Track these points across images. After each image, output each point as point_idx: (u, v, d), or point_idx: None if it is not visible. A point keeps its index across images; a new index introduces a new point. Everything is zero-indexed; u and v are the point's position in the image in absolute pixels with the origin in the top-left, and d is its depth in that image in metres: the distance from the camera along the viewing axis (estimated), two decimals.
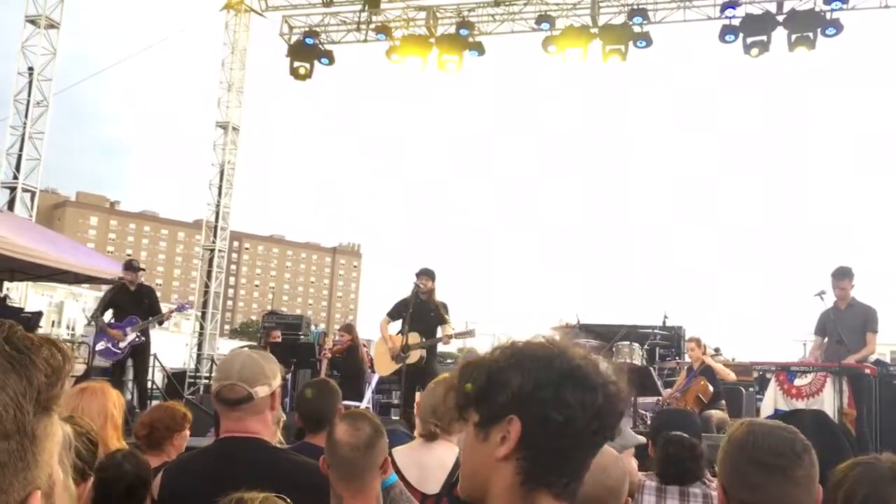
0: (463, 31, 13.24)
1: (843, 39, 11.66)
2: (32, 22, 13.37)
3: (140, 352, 9.56)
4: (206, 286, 15.68)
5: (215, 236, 15.70)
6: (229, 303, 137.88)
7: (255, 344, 15.52)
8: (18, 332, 0.83)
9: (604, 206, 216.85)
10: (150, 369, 10.30)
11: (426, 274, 8.53)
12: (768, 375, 8.07)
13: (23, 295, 15.74)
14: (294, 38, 14.36)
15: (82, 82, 15.77)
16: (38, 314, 11.86)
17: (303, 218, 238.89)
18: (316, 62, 14.05)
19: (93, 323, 10.18)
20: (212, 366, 14.73)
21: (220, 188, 15.62)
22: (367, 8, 13.67)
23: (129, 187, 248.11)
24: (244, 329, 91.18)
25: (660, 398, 8.98)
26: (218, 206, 15.62)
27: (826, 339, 7.83)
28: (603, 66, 12.64)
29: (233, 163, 15.80)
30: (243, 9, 15.49)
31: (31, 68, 13.23)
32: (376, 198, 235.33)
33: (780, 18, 11.83)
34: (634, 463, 3.36)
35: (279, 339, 12.52)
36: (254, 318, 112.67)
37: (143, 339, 9.48)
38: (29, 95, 13.20)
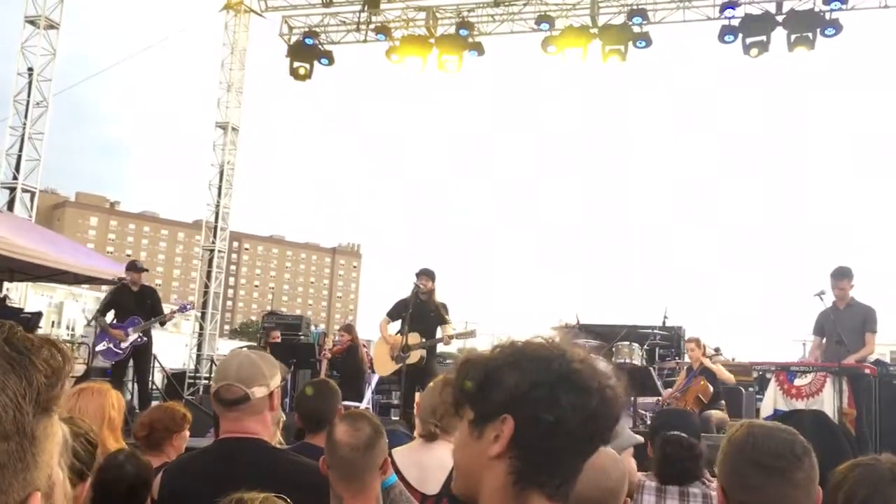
0: (462, 32, 13.24)
1: (842, 40, 11.68)
2: (32, 22, 13.37)
3: (142, 352, 9.54)
4: (206, 286, 15.68)
5: (215, 237, 15.69)
6: (229, 303, 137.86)
7: (254, 344, 15.53)
8: (18, 332, 0.83)
9: (604, 206, 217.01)
10: (151, 370, 10.29)
11: (426, 274, 8.53)
12: (768, 375, 8.07)
13: (22, 295, 15.75)
14: (294, 39, 14.36)
15: (82, 83, 15.78)
16: (38, 315, 11.86)
17: (302, 218, 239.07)
18: (315, 62, 14.05)
19: (93, 323, 10.17)
20: (211, 366, 14.72)
21: (219, 188, 15.61)
22: (366, 8, 13.68)
23: (129, 188, 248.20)
24: (244, 329, 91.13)
25: (660, 398, 8.98)
26: (218, 206, 15.62)
27: (825, 339, 7.84)
28: (602, 66, 12.65)
29: (232, 163, 15.79)
30: (243, 9, 15.49)
31: (30, 69, 13.23)
32: (376, 198, 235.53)
33: (780, 19, 11.83)
34: (633, 463, 3.36)
35: (279, 340, 12.52)
36: (253, 318, 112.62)
37: (144, 339, 9.47)
38: (28, 96, 13.20)
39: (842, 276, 7.68)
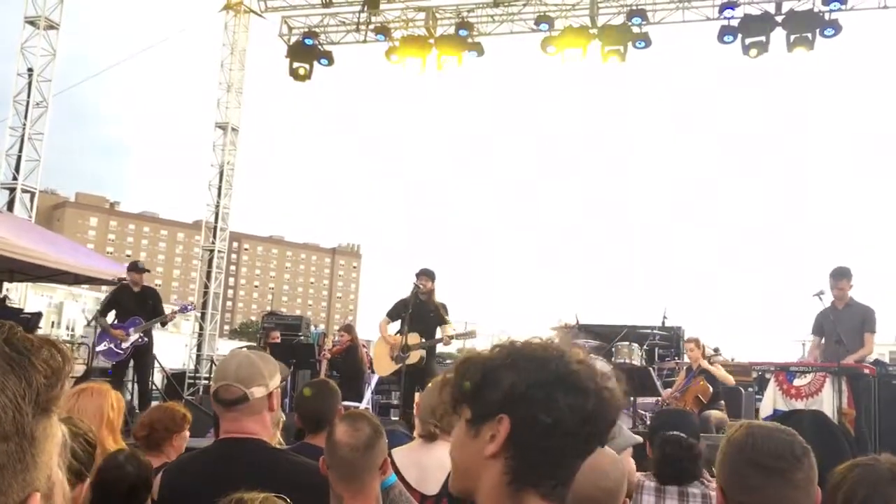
0: (462, 32, 13.24)
1: (841, 40, 11.68)
2: (32, 23, 13.36)
3: (142, 353, 9.54)
4: (206, 287, 15.68)
5: (215, 237, 15.69)
6: (229, 303, 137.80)
7: (254, 345, 15.52)
8: (18, 333, 0.83)
9: (603, 206, 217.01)
10: (152, 370, 10.29)
11: (426, 274, 8.53)
12: (767, 375, 8.07)
13: (22, 296, 15.75)
14: (293, 39, 14.36)
15: (82, 83, 15.78)
16: (38, 315, 11.85)
17: (302, 218, 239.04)
18: (315, 63, 14.05)
19: (93, 323, 10.17)
20: (211, 367, 14.71)
21: (219, 189, 15.61)
22: (366, 9, 13.67)
23: (129, 188, 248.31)
24: (244, 330, 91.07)
25: (659, 398, 8.98)
26: (217, 206, 15.61)
27: (823, 339, 7.84)
28: (602, 66, 12.65)
29: (232, 163, 15.79)
30: (242, 9, 15.48)
31: (30, 69, 13.23)
32: (376, 198, 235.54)
33: (779, 19, 11.83)
34: (632, 463, 3.36)
35: (278, 340, 12.52)
36: (253, 318, 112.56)
37: (145, 340, 9.47)
38: (28, 96, 13.20)
39: (841, 276, 7.68)
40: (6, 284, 12.87)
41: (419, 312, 8.34)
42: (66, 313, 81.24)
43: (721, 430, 7.44)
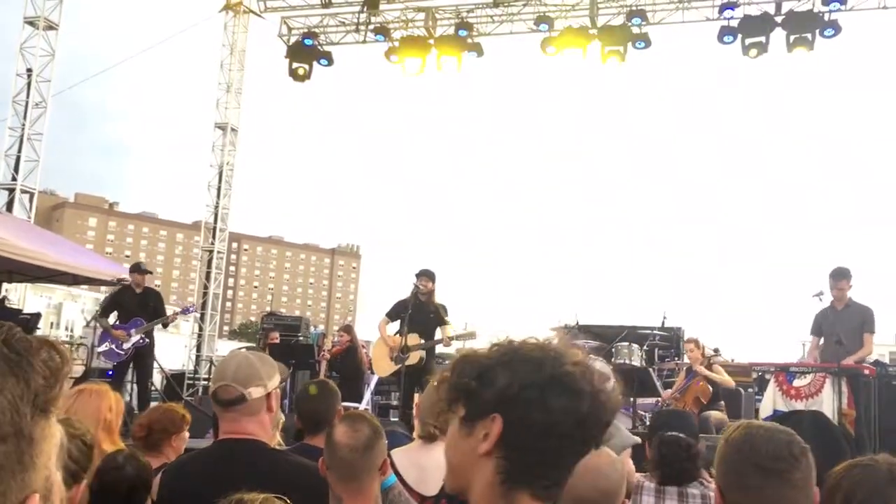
0: (462, 32, 13.24)
1: (841, 40, 11.69)
2: (31, 23, 13.37)
3: (144, 354, 9.55)
4: (205, 287, 15.68)
5: (214, 237, 15.69)
6: (228, 304, 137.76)
7: (253, 345, 15.53)
8: (17, 334, 0.83)
9: (603, 206, 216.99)
10: (152, 372, 10.30)
11: (426, 275, 8.52)
12: (767, 376, 8.07)
13: (21, 296, 15.76)
14: (293, 39, 14.36)
15: (81, 84, 15.78)
16: (37, 315, 11.85)
17: (302, 219, 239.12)
18: (315, 63, 14.05)
19: (92, 324, 10.18)
20: (210, 367, 14.71)
21: (218, 189, 15.62)
22: (365, 9, 13.68)
23: (128, 188, 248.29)
24: (243, 330, 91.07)
25: (659, 399, 8.98)
26: (217, 207, 15.62)
27: (822, 340, 7.84)
28: (602, 67, 12.65)
29: (231, 164, 15.80)
30: (242, 10, 15.49)
31: (29, 70, 13.23)
32: (375, 199, 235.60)
33: (779, 19, 11.84)
34: (631, 464, 3.36)
35: (277, 341, 12.52)
36: (253, 319, 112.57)
37: (146, 341, 9.47)
38: (27, 97, 13.20)
39: (841, 276, 7.68)
40: (5, 285, 12.87)
41: (419, 313, 8.33)
42: (65, 314, 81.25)
43: (721, 431, 7.43)
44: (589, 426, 1.21)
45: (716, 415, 8.23)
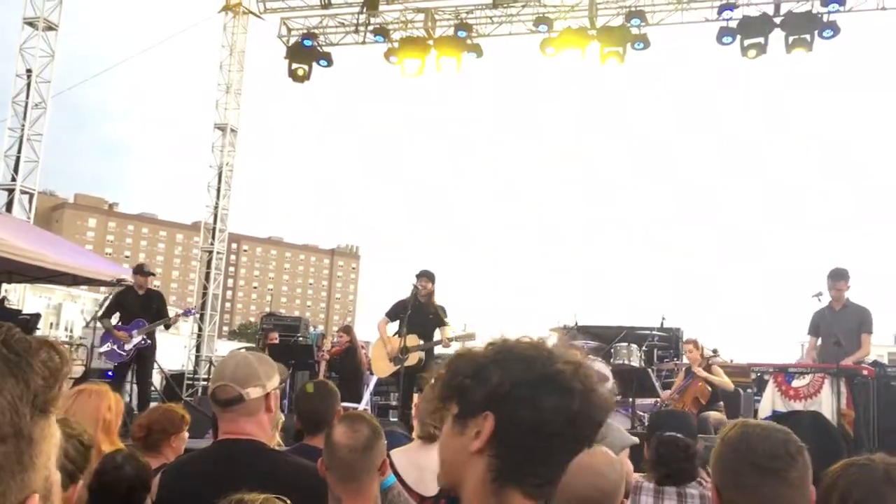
0: (461, 33, 13.24)
1: (840, 41, 11.70)
2: (31, 24, 13.36)
3: (145, 356, 9.57)
4: (205, 288, 15.68)
5: (213, 238, 15.69)
6: (228, 304, 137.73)
7: (253, 346, 15.53)
8: (16, 334, 0.83)
9: (603, 207, 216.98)
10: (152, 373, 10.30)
11: (426, 276, 8.52)
12: (766, 377, 8.07)
13: (21, 297, 15.73)
14: (292, 40, 14.35)
15: (80, 84, 15.79)
16: (37, 316, 11.84)
17: (301, 220, 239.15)
18: (314, 64, 14.05)
19: (91, 324, 10.18)
20: (210, 368, 14.71)
21: (218, 190, 15.62)
22: (365, 10, 13.68)
23: (128, 189, 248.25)
24: (243, 331, 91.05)
25: (658, 399, 8.98)
26: (216, 207, 15.61)
27: (819, 340, 7.85)
28: (601, 67, 12.65)
29: (231, 165, 15.80)
30: (241, 11, 15.49)
31: (29, 70, 13.23)
32: (375, 199, 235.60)
33: (778, 20, 11.85)
34: (630, 464, 3.36)
35: (276, 341, 12.52)
36: (252, 319, 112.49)
37: (148, 342, 9.49)
38: (27, 97, 13.20)
39: (839, 277, 7.70)
40: (5, 285, 12.86)
41: (418, 314, 8.33)
42: (65, 314, 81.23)
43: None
44: (580, 425, 1.22)
45: (715, 415, 8.23)
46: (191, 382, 14.74)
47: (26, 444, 0.80)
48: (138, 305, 9.53)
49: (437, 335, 8.46)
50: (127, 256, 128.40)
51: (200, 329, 15.64)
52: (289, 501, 1.86)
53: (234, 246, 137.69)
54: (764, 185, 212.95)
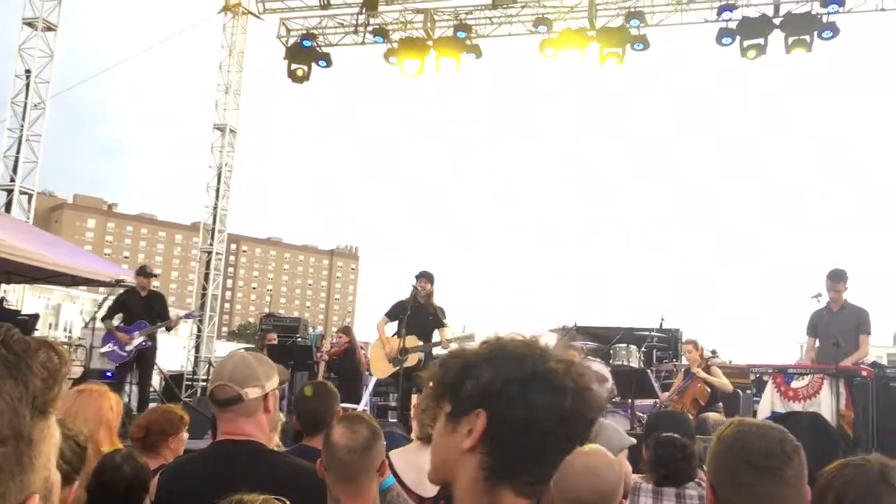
0: (460, 34, 13.24)
1: (839, 42, 11.70)
2: (30, 24, 13.36)
3: (146, 357, 9.59)
4: (204, 289, 15.67)
5: (213, 239, 15.68)
6: (227, 305, 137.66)
7: (252, 346, 15.52)
8: (15, 335, 0.83)
9: (601, 208, 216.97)
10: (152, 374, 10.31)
11: (425, 277, 8.52)
12: (765, 378, 8.07)
13: (20, 297, 15.71)
14: (291, 41, 14.35)
15: (80, 85, 15.78)
16: (35, 317, 11.84)
17: (300, 220, 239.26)
18: (313, 64, 14.05)
19: (91, 325, 10.19)
20: (209, 368, 14.71)
21: (217, 190, 15.61)
22: (364, 10, 13.68)
23: (127, 190, 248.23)
24: (242, 331, 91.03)
25: (657, 400, 8.98)
26: (215, 208, 15.61)
27: (818, 340, 7.85)
28: (600, 68, 12.65)
29: (230, 165, 15.79)
30: (241, 11, 15.48)
31: (28, 71, 13.22)
32: (374, 200, 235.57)
33: (777, 21, 11.84)
34: (628, 465, 3.36)
35: (275, 342, 12.51)
36: (251, 320, 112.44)
37: (149, 344, 9.51)
38: (26, 98, 13.20)
39: (838, 278, 7.70)
40: (3, 286, 12.86)
41: (418, 315, 8.33)
42: (64, 315, 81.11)
43: None
44: (572, 423, 1.22)
45: (714, 416, 8.22)
46: (190, 383, 14.73)
47: (26, 446, 0.80)
48: (140, 307, 9.55)
49: (436, 336, 8.46)
50: (126, 257, 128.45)
51: (199, 330, 15.63)
52: (288, 502, 1.86)
53: (233, 246, 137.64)
54: (763, 185, 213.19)
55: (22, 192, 13.11)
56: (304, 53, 13.97)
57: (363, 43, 14.30)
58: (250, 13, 15.39)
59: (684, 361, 9.52)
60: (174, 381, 12.94)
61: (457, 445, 1.23)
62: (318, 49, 14.13)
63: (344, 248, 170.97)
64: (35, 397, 0.81)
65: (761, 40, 11.85)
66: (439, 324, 8.45)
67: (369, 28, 13.95)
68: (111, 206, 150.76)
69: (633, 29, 12.41)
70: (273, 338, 12.85)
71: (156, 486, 2.50)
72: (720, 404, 8.65)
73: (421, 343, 8.38)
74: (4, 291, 13.02)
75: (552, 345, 1.28)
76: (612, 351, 9.11)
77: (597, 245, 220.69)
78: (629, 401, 8.64)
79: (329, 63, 14.14)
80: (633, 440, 3.09)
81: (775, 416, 7.12)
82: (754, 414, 8.36)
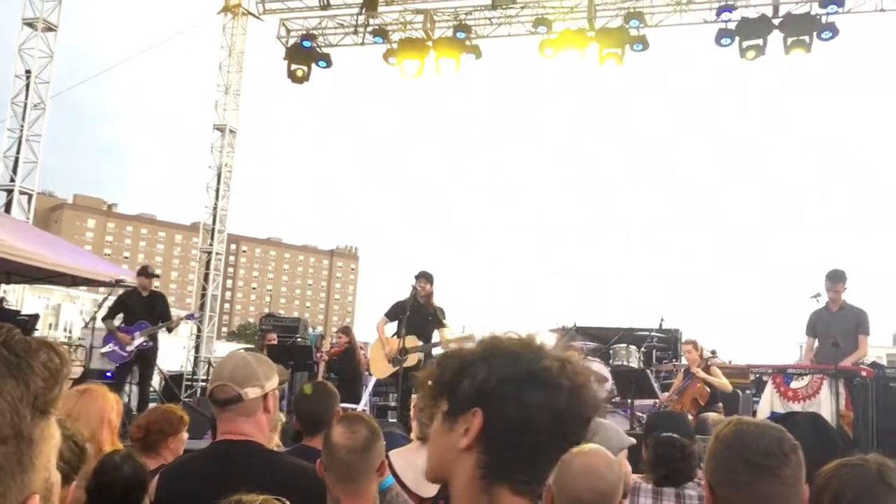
0: (460, 35, 13.24)
1: (838, 43, 11.70)
2: (30, 25, 13.36)
3: (146, 358, 9.59)
4: (204, 289, 15.66)
5: (213, 239, 15.68)
6: (227, 305, 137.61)
7: (251, 346, 15.52)
8: (16, 335, 0.83)
9: (601, 208, 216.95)
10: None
11: (424, 277, 8.52)
12: (765, 378, 8.07)
13: (19, 297, 15.70)
14: (291, 41, 14.35)
15: (79, 85, 15.78)
16: (35, 317, 11.84)
17: (300, 220, 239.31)
18: (313, 65, 14.05)
19: (90, 325, 10.19)
20: (209, 368, 14.71)
21: (217, 191, 15.61)
22: (364, 11, 13.67)
23: (127, 190, 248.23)
24: (242, 332, 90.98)
25: (657, 401, 8.97)
26: (215, 208, 15.60)
27: (817, 341, 7.85)
28: (600, 69, 12.65)
29: (230, 165, 15.78)
30: (240, 12, 15.48)
31: (28, 71, 13.22)
32: (374, 200, 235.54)
33: (776, 22, 11.84)
34: (628, 465, 3.36)
35: (275, 342, 12.51)
36: (251, 320, 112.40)
37: (150, 344, 9.51)
38: (26, 98, 13.19)
39: (837, 279, 7.70)
40: (3, 286, 12.86)
41: (417, 315, 8.33)
42: (64, 315, 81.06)
43: None
44: (567, 421, 1.22)
45: (714, 416, 8.21)
46: (190, 383, 14.72)
47: (26, 446, 0.81)
48: (142, 307, 9.55)
49: (435, 336, 8.46)
50: (126, 257, 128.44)
51: (199, 330, 15.62)
52: (287, 502, 1.87)
53: (233, 247, 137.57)
54: (763, 186, 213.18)
55: (22, 193, 13.10)
56: (304, 54, 13.97)
57: (363, 43, 14.30)
58: (250, 14, 15.39)
59: (684, 361, 9.52)
60: (174, 382, 12.93)
61: (453, 444, 1.23)
62: (317, 49, 14.13)
63: (344, 249, 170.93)
64: (36, 397, 0.81)
65: (760, 41, 11.85)
66: (439, 324, 8.45)
67: (369, 28, 13.94)
68: (111, 207, 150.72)
69: (632, 29, 12.41)
70: (273, 338, 12.85)
71: (155, 487, 2.50)
72: (720, 404, 8.65)
73: (421, 343, 8.38)
74: (4, 291, 13.02)
75: (548, 343, 1.28)
76: (611, 351, 9.11)
77: (597, 245, 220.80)
78: (629, 401, 8.63)
79: (329, 63, 14.14)
80: (633, 440, 3.09)
81: (775, 417, 7.12)
82: (754, 414, 8.36)
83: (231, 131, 15.69)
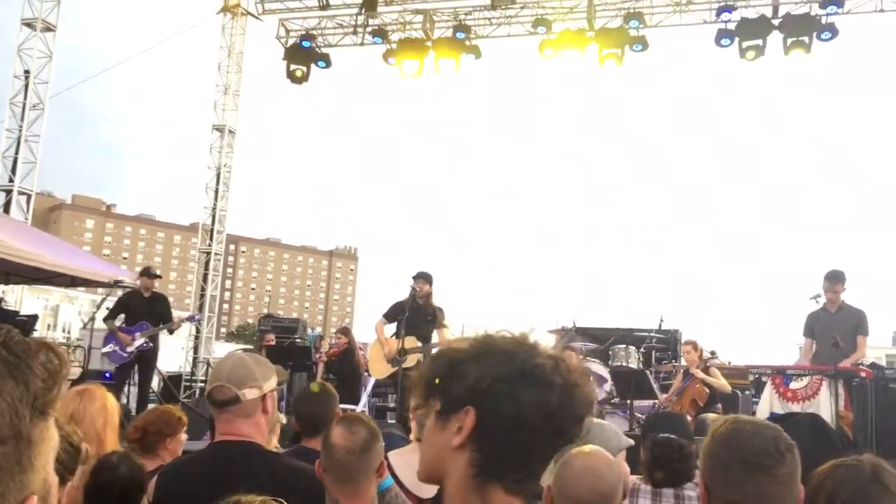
0: (460, 35, 13.24)
1: (838, 44, 11.71)
2: (29, 25, 13.35)
3: (147, 358, 9.59)
4: (203, 289, 15.65)
5: (212, 239, 15.67)
6: (226, 306, 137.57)
7: (250, 347, 15.52)
8: (15, 336, 0.83)
9: (600, 209, 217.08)
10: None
11: (423, 277, 8.52)
12: (764, 379, 8.07)
13: (18, 298, 15.70)
14: (291, 42, 14.35)
15: (78, 85, 15.78)
16: (34, 317, 11.83)
17: (299, 221, 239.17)
18: (312, 65, 14.05)
19: (89, 326, 10.19)
20: (208, 369, 14.70)
21: (216, 191, 15.60)
22: (363, 11, 13.67)
23: (126, 190, 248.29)
24: (241, 332, 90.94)
25: (656, 401, 8.97)
26: (214, 209, 15.59)
27: (815, 342, 7.85)
28: (599, 69, 12.66)
29: (229, 166, 15.78)
30: (240, 12, 15.48)
31: (27, 71, 13.21)
32: (373, 201, 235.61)
33: (776, 22, 11.85)
34: (626, 466, 3.36)
35: (273, 343, 12.51)
36: (250, 321, 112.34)
37: (150, 345, 9.51)
38: (25, 98, 13.19)
39: (837, 279, 7.71)
40: (2, 287, 12.87)
41: (416, 316, 8.33)
42: (63, 316, 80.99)
43: None
44: (559, 420, 1.22)
45: (713, 417, 8.21)
46: (188, 384, 14.71)
47: (26, 446, 0.81)
48: (143, 308, 9.55)
49: (435, 337, 8.46)
50: (125, 258, 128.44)
51: (198, 331, 15.60)
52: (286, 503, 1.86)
53: (232, 247, 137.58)
54: (762, 187, 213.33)
55: (20, 193, 13.09)
56: (303, 54, 13.97)
57: (362, 44, 14.30)
58: (249, 14, 15.38)
59: (683, 362, 9.52)
60: (172, 382, 12.92)
61: (447, 443, 1.23)
62: (317, 50, 14.13)
63: (343, 249, 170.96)
64: (35, 398, 0.81)
65: (760, 41, 11.86)
66: (438, 325, 8.45)
67: (368, 29, 13.94)
68: (110, 207, 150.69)
69: (631, 30, 12.42)
70: (272, 338, 12.84)
71: (153, 488, 2.50)
72: (719, 405, 8.65)
73: (420, 344, 8.37)
74: (3, 292, 13.02)
75: (541, 341, 1.28)
76: (611, 352, 9.12)
77: (596, 246, 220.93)
78: (628, 402, 8.63)
79: (328, 64, 14.14)
80: (632, 441, 3.10)
81: (774, 417, 7.12)
82: (753, 415, 8.36)
83: (230, 132, 15.69)
